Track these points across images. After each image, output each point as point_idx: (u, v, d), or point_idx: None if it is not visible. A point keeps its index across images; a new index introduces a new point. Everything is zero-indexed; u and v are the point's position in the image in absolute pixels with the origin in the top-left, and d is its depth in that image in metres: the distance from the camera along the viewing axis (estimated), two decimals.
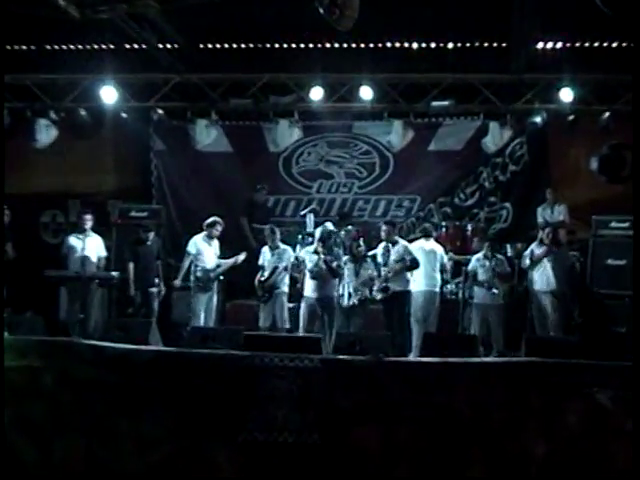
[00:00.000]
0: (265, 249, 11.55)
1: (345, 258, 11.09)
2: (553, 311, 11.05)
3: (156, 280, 11.77)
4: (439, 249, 11.69)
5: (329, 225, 11.52)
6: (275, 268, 11.29)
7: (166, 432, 7.32)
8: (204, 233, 11.66)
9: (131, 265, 11.60)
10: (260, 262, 11.46)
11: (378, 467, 7.14)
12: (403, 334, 10.91)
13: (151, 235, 11.85)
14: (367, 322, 10.97)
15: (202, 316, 11.37)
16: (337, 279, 10.89)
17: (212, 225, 11.64)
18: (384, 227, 11.41)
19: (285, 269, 11.29)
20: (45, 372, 7.56)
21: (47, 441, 7.40)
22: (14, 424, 7.15)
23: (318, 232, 11.12)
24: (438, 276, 11.55)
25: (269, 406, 7.27)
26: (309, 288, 10.91)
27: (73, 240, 11.84)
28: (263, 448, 7.20)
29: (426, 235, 11.77)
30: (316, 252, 10.90)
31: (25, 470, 7.25)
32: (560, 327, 10.89)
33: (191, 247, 11.61)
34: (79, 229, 11.93)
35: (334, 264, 10.78)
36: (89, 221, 11.92)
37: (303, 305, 10.93)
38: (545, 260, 11.26)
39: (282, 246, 11.57)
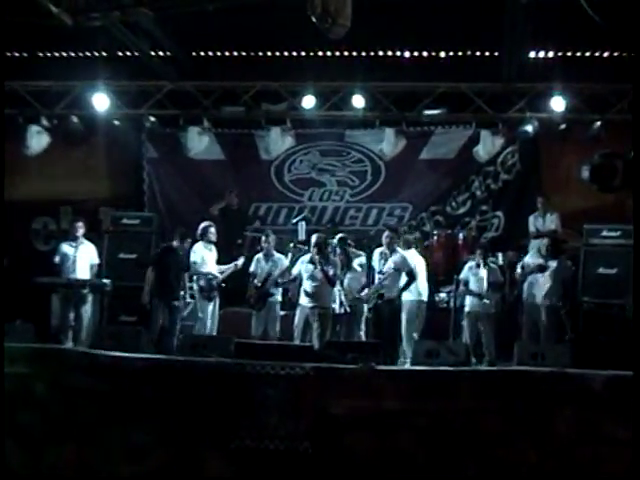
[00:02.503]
0: (259, 256, 11.52)
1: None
2: (546, 324, 11.02)
3: (182, 293, 11.54)
4: (420, 260, 11.71)
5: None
6: (269, 275, 11.27)
7: (157, 440, 7.31)
8: (203, 240, 11.59)
9: (151, 272, 11.22)
10: (252, 269, 11.43)
11: (370, 475, 7.13)
12: (394, 342, 10.89)
13: (187, 244, 11.48)
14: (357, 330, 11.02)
15: (209, 324, 11.31)
16: (334, 288, 10.76)
17: (205, 232, 11.57)
18: (387, 233, 11.35)
19: (279, 277, 11.27)
20: (36, 380, 7.55)
21: (37, 448, 7.39)
22: (5, 431, 7.12)
23: (314, 238, 10.93)
24: (426, 286, 11.54)
25: (261, 414, 7.26)
26: (304, 297, 10.78)
27: (66, 248, 11.80)
28: (255, 456, 7.19)
29: (408, 247, 11.70)
30: (312, 262, 10.75)
31: (15, 477, 7.23)
32: (552, 340, 10.86)
33: (195, 257, 11.47)
34: (71, 237, 11.89)
35: (331, 272, 10.65)
36: (81, 229, 11.86)
37: (298, 314, 10.80)
38: (543, 272, 11.22)
39: (277, 254, 11.56)
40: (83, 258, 11.79)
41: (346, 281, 10.98)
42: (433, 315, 11.81)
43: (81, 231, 11.86)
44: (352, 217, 14.52)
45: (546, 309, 11.06)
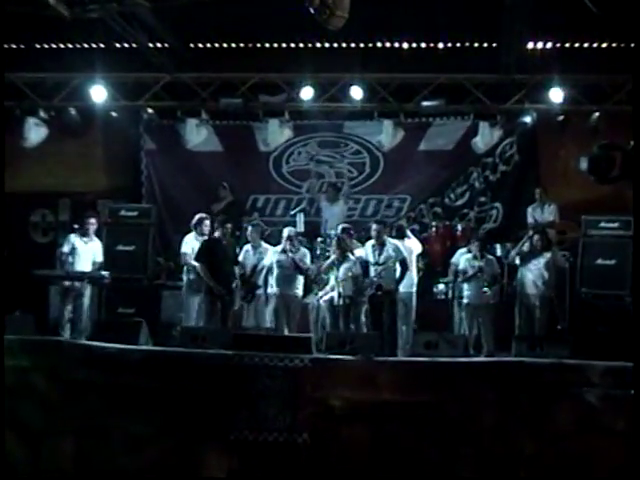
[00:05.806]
0: (247, 247, 11.55)
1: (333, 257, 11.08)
2: (540, 313, 11.09)
3: (233, 286, 11.19)
4: (416, 248, 11.71)
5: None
6: (255, 266, 11.30)
7: (156, 431, 7.32)
8: (194, 232, 11.56)
9: (202, 267, 10.95)
10: (240, 259, 11.44)
11: (368, 466, 7.15)
12: (392, 333, 10.88)
13: (228, 230, 11.32)
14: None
15: (194, 316, 11.27)
16: (302, 276, 11.07)
17: (200, 223, 11.50)
18: (374, 226, 11.26)
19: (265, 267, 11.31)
20: (35, 372, 7.56)
21: (36, 440, 7.40)
22: (4, 423, 7.13)
23: (286, 231, 11.18)
24: (415, 276, 11.54)
25: (259, 405, 7.28)
26: (274, 285, 11.05)
27: (77, 241, 11.64)
28: (253, 447, 7.21)
29: (402, 235, 11.69)
30: (284, 251, 11.01)
31: (14, 469, 7.24)
32: (545, 329, 10.94)
33: (186, 247, 11.45)
34: (82, 230, 11.75)
35: (300, 261, 10.95)
36: (93, 225, 11.78)
37: (270, 302, 11.10)
38: (537, 262, 11.26)
39: (264, 245, 11.58)
40: (89, 254, 11.71)
41: (341, 271, 10.94)
42: (431, 307, 11.81)
43: (93, 227, 11.78)
44: (351, 208, 14.42)
45: (540, 299, 11.12)
